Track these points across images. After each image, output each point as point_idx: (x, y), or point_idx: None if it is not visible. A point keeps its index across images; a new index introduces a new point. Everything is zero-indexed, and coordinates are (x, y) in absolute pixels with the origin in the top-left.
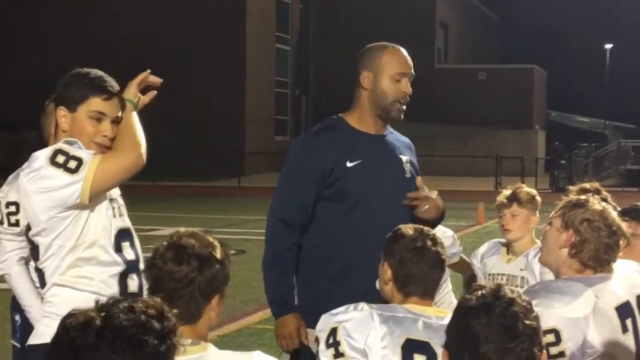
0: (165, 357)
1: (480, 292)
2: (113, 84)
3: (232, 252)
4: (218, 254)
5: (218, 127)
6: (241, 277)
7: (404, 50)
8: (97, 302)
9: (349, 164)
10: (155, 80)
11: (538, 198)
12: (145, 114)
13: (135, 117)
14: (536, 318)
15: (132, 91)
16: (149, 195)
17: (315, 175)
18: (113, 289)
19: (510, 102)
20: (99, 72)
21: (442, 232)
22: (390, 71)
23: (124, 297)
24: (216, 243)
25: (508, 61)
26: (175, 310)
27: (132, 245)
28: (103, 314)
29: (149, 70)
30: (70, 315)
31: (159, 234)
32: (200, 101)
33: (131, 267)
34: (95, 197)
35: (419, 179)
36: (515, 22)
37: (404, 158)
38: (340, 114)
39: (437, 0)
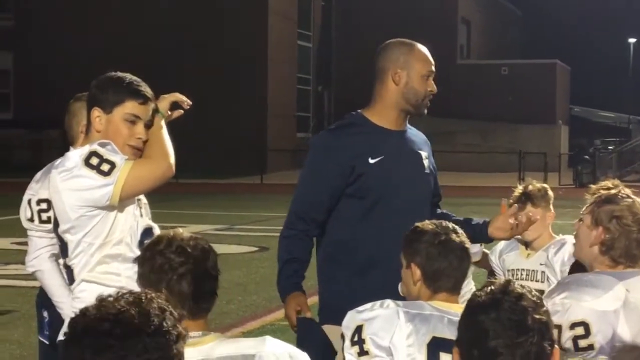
0: (171, 346)
1: (489, 288)
2: (148, 89)
3: (255, 249)
4: (207, 246)
5: (240, 124)
6: (264, 274)
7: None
8: (99, 296)
9: (371, 160)
10: (186, 101)
11: (550, 192)
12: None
13: (164, 129)
14: (546, 313)
15: (164, 104)
16: (171, 193)
17: (333, 173)
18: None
19: (533, 98)
20: (135, 77)
21: None
22: (422, 70)
23: (129, 291)
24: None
25: (531, 56)
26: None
27: None
28: (108, 304)
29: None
30: (80, 311)
31: None
32: (222, 98)
33: None
34: (124, 200)
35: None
36: (538, 16)
37: (423, 154)
38: (359, 110)
39: None
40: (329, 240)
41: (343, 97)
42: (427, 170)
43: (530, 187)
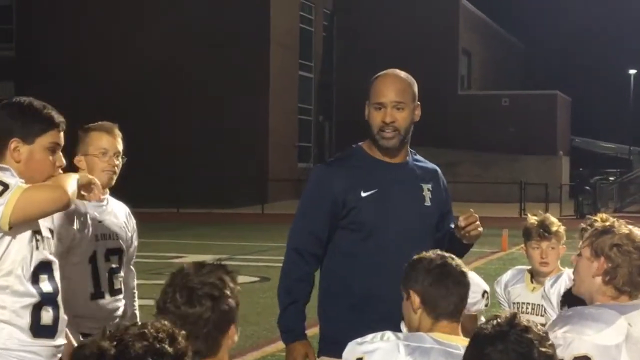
0: None
1: (495, 320)
2: (59, 115)
3: (256, 279)
4: (229, 287)
5: (241, 153)
6: (265, 304)
7: (393, 77)
8: (104, 330)
9: (363, 194)
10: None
11: (563, 227)
12: (171, 139)
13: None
14: (552, 346)
15: (84, 179)
16: (173, 222)
17: (326, 206)
18: (25, 320)
19: (533, 128)
20: (42, 102)
21: (476, 285)
22: (372, 101)
23: (133, 323)
24: (225, 277)
25: (531, 87)
26: (184, 332)
27: (51, 278)
28: (115, 342)
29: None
30: (81, 346)
31: (183, 262)
32: (224, 128)
33: (47, 299)
34: (18, 226)
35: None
36: (539, 48)
37: (424, 186)
38: (360, 143)
39: (460, 28)
40: (325, 274)
41: (344, 127)
42: (428, 203)
43: (551, 222)
